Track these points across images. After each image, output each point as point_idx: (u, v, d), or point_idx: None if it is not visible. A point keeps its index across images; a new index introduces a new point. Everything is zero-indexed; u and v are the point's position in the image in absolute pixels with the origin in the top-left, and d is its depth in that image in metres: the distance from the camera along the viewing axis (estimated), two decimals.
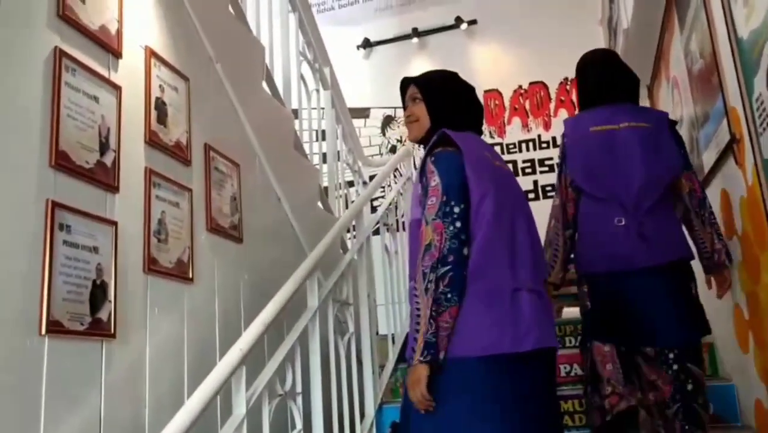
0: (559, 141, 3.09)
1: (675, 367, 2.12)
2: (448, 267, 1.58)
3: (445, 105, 1.85)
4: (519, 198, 1.81)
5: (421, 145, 1.89)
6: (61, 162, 1.70)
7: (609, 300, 2.24)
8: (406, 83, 1.95)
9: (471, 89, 1.94)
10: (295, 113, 3.43)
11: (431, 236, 1.61)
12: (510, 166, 5.88)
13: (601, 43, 5.55)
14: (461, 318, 1.59)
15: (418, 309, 1.59)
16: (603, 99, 2.37)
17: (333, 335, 2.49)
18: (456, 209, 1.63)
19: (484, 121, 1.98)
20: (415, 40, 6.38)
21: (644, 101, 4.60)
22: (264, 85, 3.11)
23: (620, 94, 2.37)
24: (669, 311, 2.15)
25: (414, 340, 1.59)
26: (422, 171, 1.74)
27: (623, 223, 2.19)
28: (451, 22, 6.28)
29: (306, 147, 3.62)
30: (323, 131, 3.80)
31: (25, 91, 1.64)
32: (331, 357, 2.46)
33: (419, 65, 6.31)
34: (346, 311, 2.64)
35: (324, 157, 3.86)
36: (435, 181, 1.66)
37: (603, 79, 2.39)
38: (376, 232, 3.19)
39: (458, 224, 1.61)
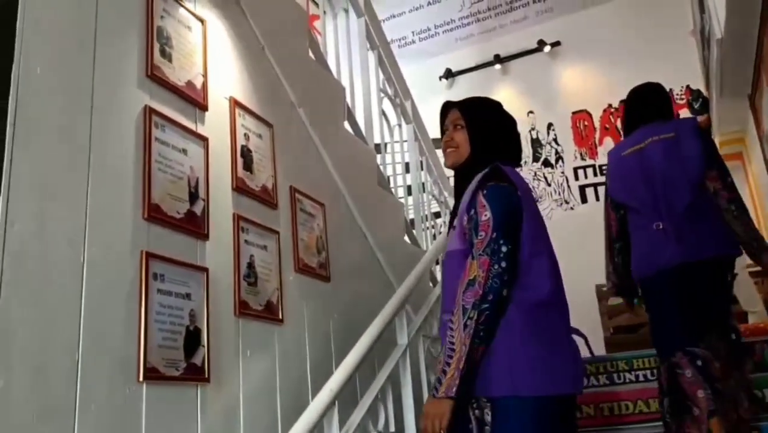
0: None
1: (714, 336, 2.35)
2: (486, 306, 1.54)
3: (487, 135, 1.81)
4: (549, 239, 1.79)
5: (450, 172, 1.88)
6: (154, 214, 1.78)
7: (658, 300, 2.48)
8: (448, 107, 1.89)
9: (513, 121, 1.89)
10: (378, 148, 3.47)
11: (476, 271, 1.57)
12: (604, 187, 5.77)
13: (694, 54, 5.31)
14: (526, 356, 1.56)
15: (452, 343, 1.55)
16: (636, 123, 2.67)
17: (425, 371, 2.45)
18: (504, 249, 1.58)
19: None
20: (497, 66, 6.35)
21: (745, 112, 4.35)
22: (346, 124, 3.17)
23: (647, 114, 2.65)
24: (701, 308, 2.36)
25: (443, 372, 1.55)
26: (472, 203, 1.68)
27: (661, 227, 2.43)
28: (534, 45, 6.21)
29: (391, 181, 3.65)
30: (407, 164, 3.82)
31: (119, 149, 1.74)
32: (425, 394, 2.42)
33: (503, 91, 6.26)
34: (437, 346, 2.60)
35: (409, 190, 3.87)
36: (486, 215, 1.62)
37: (632, 106, 2.73)
38: None
39: (503, 264, 1.56)
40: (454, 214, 1.82)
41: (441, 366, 1.58)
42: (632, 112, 2.72)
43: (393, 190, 3.67)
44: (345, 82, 3.27)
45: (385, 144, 3.72)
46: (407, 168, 3.90)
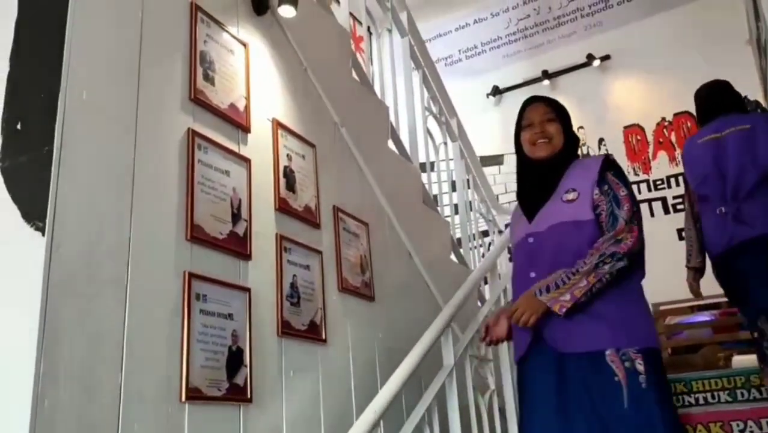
0: None
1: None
2: (622, 263, 1.77)
3: (572, 133, 2.06)
4: None
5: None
6: (197, 235, 1.80)
7: (725, 277, 2.65)
8: (531, 102, 2.10)
9: None
10: (424, 167, 3.45)
11: (624, 234, 1.81)
12: (659, 203, 5.62)
13: (751, 63, 5.13)
14: (650, 316, 1.88)
15: (578, 270, 1.76)
16: (711, 115, 2.81)
17: (472, 392, 2.40)
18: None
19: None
20: (546, 82, 6.26)
21: None
22: (390, 143, 3.17)
23: (726, 106, 2.79)
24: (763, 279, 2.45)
25: (556, 285, 1.77)
26: (602, 181, 1.91)
27: (724, 211, 2.59)
28: (583, 60, 6.10)
29: (437, 199, 3.62)
30: (453, 182, 3.79)
31: (162, 171, 1.78)
32: (472, 415, 2.37)
33: None
34: (486, 366, 2.54)
35: (456, 208, 3.83)
36: (624, 191, 1.89)
37: (708, 100, 2.88)
38: None
39: (642, 236, 1.85)
40: (532, 197, 2.01)
41: (555, 280, 1.78)
42: (709, 104, 2.85)
43: (439, 208, 3.64)
44: (389, 101, 3.27)
45: (431, 163, 3.71)
46: (454, 186, 3.87)
